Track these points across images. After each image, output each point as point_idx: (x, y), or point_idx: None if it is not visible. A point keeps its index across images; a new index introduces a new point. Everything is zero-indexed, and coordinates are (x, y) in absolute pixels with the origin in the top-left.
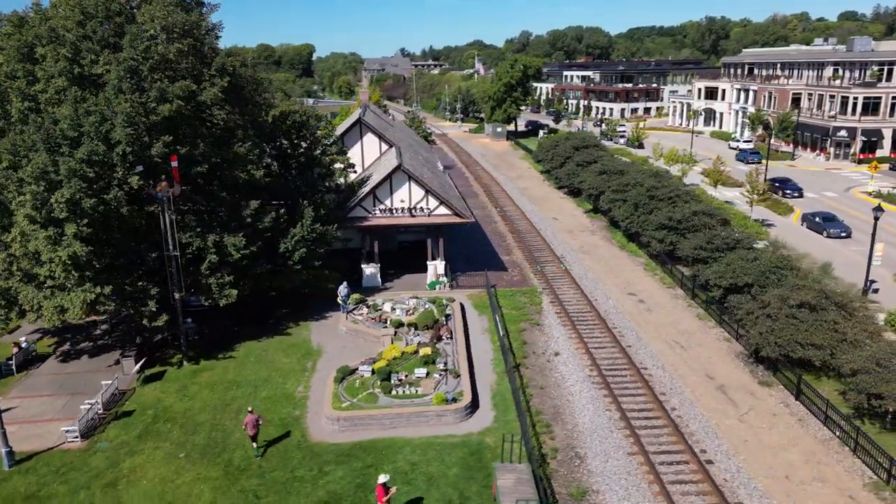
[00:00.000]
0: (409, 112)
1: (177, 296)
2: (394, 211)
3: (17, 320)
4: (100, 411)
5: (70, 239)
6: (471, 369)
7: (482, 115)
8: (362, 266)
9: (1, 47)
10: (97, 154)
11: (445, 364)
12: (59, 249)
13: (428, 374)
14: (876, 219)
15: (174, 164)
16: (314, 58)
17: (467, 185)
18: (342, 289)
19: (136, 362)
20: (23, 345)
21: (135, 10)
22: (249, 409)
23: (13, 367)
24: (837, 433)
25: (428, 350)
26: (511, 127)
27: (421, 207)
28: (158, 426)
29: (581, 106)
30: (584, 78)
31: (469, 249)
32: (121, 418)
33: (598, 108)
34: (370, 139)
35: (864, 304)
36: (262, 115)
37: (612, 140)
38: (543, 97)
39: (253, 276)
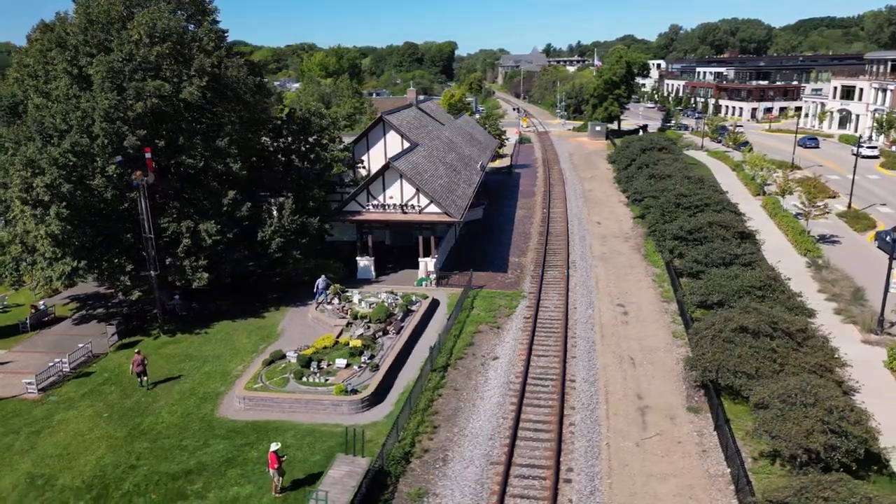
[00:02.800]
0: (515, 108)
1: (152, 274)
2: (386, 207)
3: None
4: (66, 370)
5: (51, 218)
6: (398, 365)
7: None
8: (357, 258)
9: (31, 50)
10: (80, 145)
11: (372, 357)
12: (42, 227)
13: (348, 365)
14: (893, 241)
15: (148, 155)
16: (465, 55)
17: (531, 184)
18: (320, 281)
19: (116, 330)
20: (41, 307)
21: (134, 14)
22: (137, 350)
23: (28, 326)
24: (730, 470)
25: (358, 342)
26: (614, 126)
27: (412, 205)
28: (104, 387)
29: (709, 105)
30: (717, 75)
31: (483, 248)
32: (80, 377)
33: (727, 107)
34: (393, 137)
35: (824, 335)
36: (255, 112)
37: (719, 141)
38: (672, 95)
39: (230, 261)
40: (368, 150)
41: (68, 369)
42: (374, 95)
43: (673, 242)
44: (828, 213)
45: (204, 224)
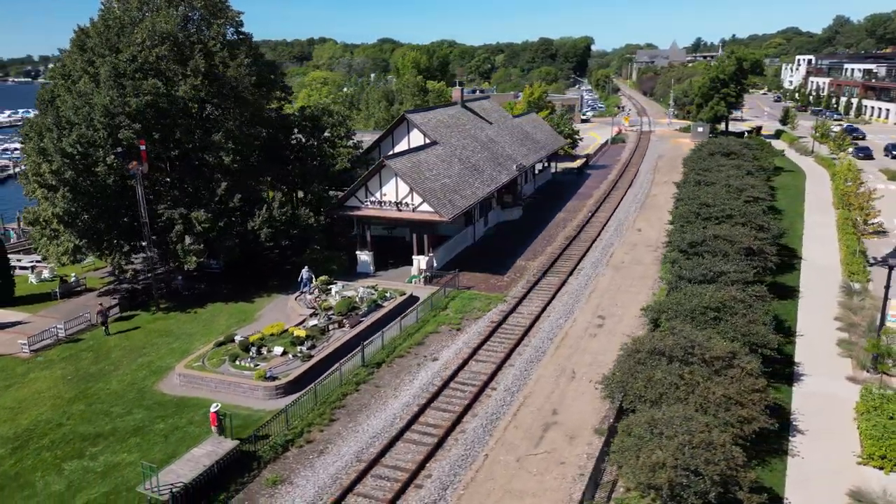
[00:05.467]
0: (619, 107)
1: (149, 255)
2: (382, 204)
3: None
4: (61, 335)
5: (58, 200)
6: (338, 357)
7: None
8: (357, 252)
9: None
10: (85, 137)
11: (312, 347)
12: (50, 207)
13: (284, 353)
14: (890, 268)
15: (142, 147)
16: (609, 50)
17: (595, 186)
18: (304, 272)
19: (118, 304)
20: (71, 280)
21: (145, 18)
22: (100, 303)
23: (58, 295)
24: (585, 497)
25: (303, 332)
26: (722, 126)
27: (406, 203)
28: (83, 353)
29: (853, 105)
30: (866, 72)
31: (496, 249)
32: (70, 343)
33: (873, 108)
34: (417, 134)
35: (752, 364)
36: (255, 109)
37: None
38: (813, 94)
39: (223, 248)
40: (393, 146)
41: (63, 335)
42: (476, 93)
43: (676, 254)
44: (882, 231)
45: (195, 212)
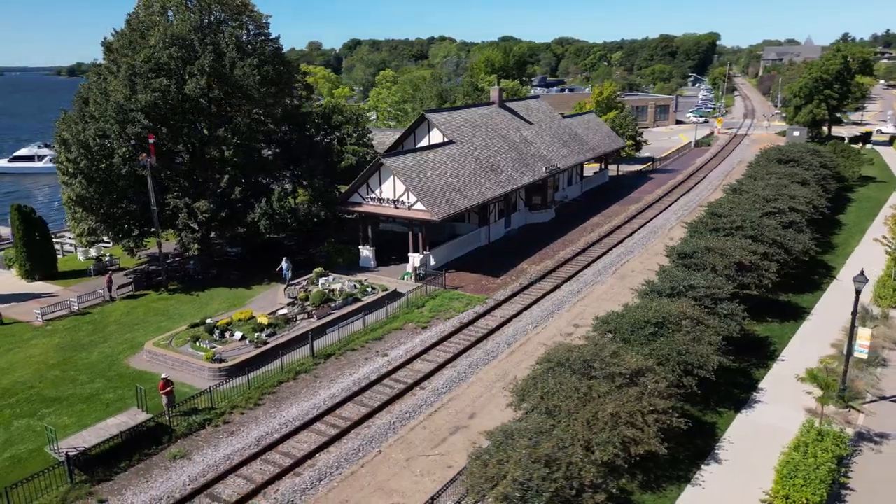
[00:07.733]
0: (716, 107)
1: (158, 240)
2: (382, 201)
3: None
4: (74, 308)
5: (75, 185)
6: (294, 345)
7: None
8: (359, 247)
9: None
10: (101, 130)
11: (272, 334)
12: (69, 191)
13: (243, 337)
14: (857, 292)
15: (151, 140)
16: (744, 46)
17: (649, 190)
18: (283, 262)
19: (131, 283)
20: (106, 259)
21: (162, 21)
22: (109, 271)
23: (91, 272)
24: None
25: (265, 319)
26: (825, 131)
27: (402, 201)
28: (84, 325)
29: None
30: None
31: (505, 251)
32: (81, 315)
33: None
34: (436, 133)
35: (659, 384)
36: (262, 106)
37: None
38: None
39: (225, 237)
40: (415, 144)
41: (76, 308)
42: (565, 91)
43: (671, 265)
44: None
45: (198, 202)
